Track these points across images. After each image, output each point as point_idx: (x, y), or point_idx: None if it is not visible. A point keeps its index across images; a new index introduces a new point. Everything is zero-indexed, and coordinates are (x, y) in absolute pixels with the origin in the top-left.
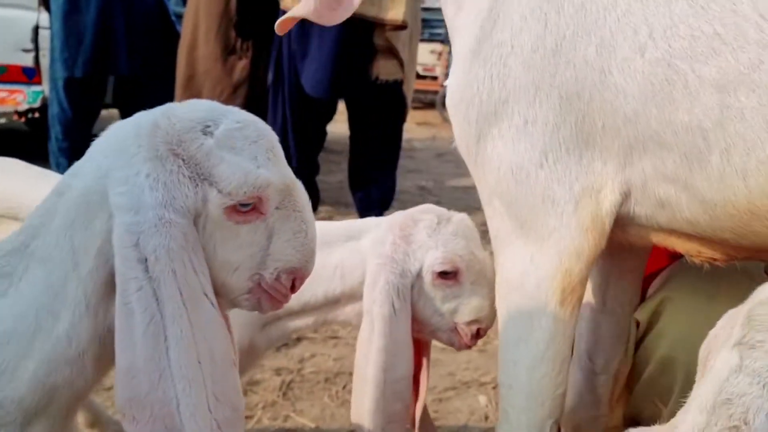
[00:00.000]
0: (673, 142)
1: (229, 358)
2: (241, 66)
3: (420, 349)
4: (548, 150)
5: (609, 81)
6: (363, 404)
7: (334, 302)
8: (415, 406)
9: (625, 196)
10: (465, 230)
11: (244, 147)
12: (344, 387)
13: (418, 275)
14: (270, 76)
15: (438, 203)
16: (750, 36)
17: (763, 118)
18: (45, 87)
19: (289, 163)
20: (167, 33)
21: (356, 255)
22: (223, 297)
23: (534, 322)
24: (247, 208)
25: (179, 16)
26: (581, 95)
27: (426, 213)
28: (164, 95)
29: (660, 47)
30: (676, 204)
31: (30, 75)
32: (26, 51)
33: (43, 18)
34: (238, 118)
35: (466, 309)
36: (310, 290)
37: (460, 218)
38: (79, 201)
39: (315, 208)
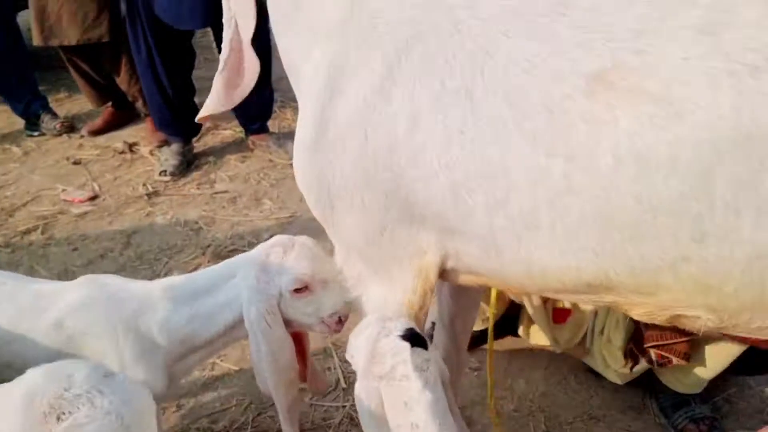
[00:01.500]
0: (471, 232)
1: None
2: None
3: (301, 335)
4: (385, 224)
5: (418, 187)
6: (268, 383)
7: (231, 328)
8: (305, 367)
9: (443, 259)
10: (306, 252)
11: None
12: None
13: (281, 295)
14: (123, 8)
15: None
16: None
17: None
18: None
19: (164, 91)
20: None
21: (235, 290)
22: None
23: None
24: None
25: None
26: (400, 193)
27: (274, 246)
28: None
29: (443, 167)
30: (476, 268)
31: None
32: None
33: None
34: None
35: (324, 307)
36: (214, 325)
37: (302, 243)
38: None
39: (198, 128)
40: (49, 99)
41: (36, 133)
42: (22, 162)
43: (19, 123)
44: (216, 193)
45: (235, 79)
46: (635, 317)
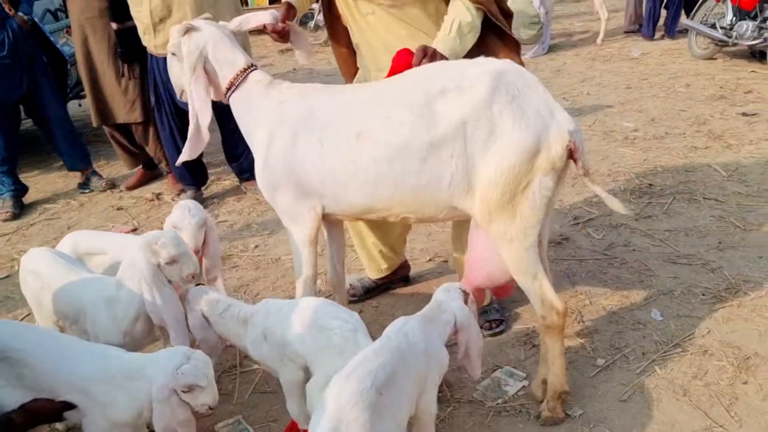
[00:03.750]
0: (328, 194)
1: None
2: (132, 86)
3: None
4: (296, 196)
5: (307, 179)
6: None
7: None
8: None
9: (323, 208)
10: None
11: None
12: None
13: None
14: (152, 99)
15: None
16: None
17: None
18: None
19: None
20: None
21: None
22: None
23: (303, 254)
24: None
25: (53, 32)
26: (300, 182)
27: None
28: (57, 100)
29: (315, 169)
30: (334, 210)
31: None
32: None
33: None
34: None
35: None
36: None
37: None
38: None
39: (206, 180)
40: None
41: (87, 191)
42: (80, 210)
43: (73, 184)
44: (219, 222)
45: (196, 145)
46: (392, 221)
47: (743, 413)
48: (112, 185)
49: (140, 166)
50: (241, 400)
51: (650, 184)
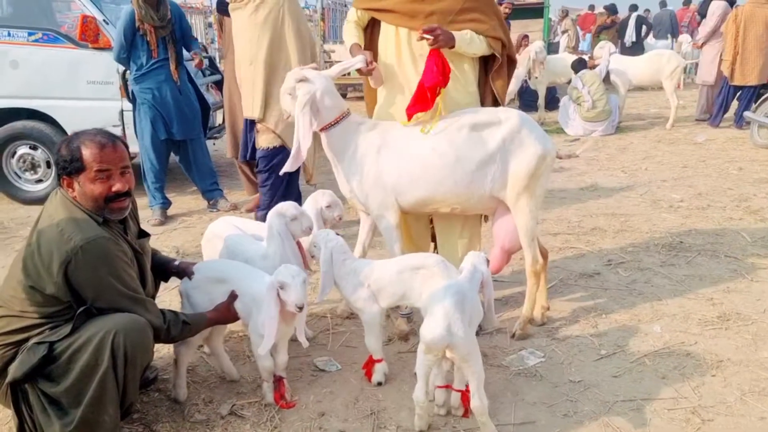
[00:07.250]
0: (401, 191)
1: None
2: None
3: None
4: (383, 195)
5: (387, 182)
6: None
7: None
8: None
9: (398, 202)
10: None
11: None
12: None
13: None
14: None
15: None
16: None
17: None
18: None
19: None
20: (198, 98)
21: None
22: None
23: (392, 235)
24: None
25: (203, 85)
26: (385, 186)
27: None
28: (201, 143)
29: (393, 175)
30: (405, 205)
31: None
32: (115, 126)
33: (125, 105)
34: None
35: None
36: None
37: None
38: None
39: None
40: None
41: (215, 210)
42: (210, 222)
43: (203, 204)
44: None
45: (296, 161)
46: (443, 211)
47: (705, 392)
48: (235, 207)
49: (258, 194)
50: (333, 348)
51: (681, 242)
